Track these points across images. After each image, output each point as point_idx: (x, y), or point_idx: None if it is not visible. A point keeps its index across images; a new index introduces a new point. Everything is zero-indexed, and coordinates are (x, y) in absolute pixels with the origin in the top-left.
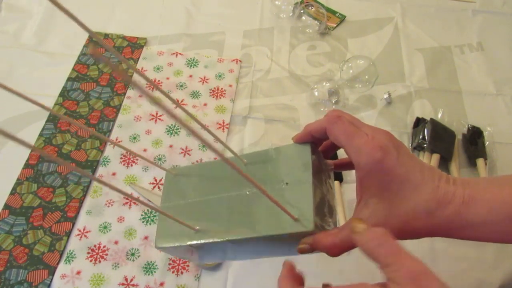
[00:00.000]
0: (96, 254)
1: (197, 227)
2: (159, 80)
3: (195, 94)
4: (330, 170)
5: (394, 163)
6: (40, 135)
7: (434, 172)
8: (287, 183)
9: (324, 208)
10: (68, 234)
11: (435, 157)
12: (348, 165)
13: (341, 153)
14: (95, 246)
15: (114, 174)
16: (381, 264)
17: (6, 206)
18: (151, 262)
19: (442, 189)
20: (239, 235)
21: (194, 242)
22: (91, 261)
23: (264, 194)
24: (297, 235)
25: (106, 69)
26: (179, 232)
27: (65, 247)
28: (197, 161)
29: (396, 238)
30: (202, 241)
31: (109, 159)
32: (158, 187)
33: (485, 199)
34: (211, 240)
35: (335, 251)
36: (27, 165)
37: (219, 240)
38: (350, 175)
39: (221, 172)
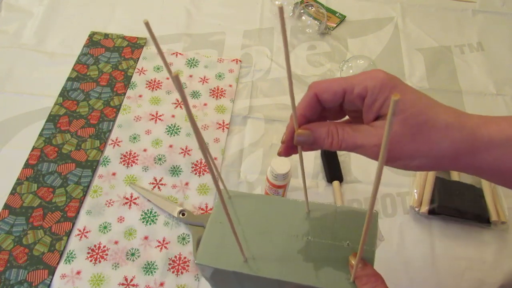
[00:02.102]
0: (96, 254)
1: (247, 257)
2: (159, 80)
3: (195, 94)
4: (381, 239)
5: (400, 81)
6: (40, 135)
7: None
8: (348, 244)
9: None
10: (68, 234)
11: None
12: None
13: (342, 157)
14: (95, 246)
15: (114, 174)
16: None
17: (6, 206)
18: (151, 262)
19: (458, 110)
20: (291, 278)
21: (241, 271)
22: (91, 261)
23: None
24: None
25: (106, 69)
26: (225, 256)
27: (65, 247)
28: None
29: (416, 162)
30: (251, 273)
31: (109, 159)
32: (158, 187)
33: (508, 120)
34: (260, 275)
35: None
36: (27, 165)
37: (269, 277)
38: (350, 175)
39: (281, 210)
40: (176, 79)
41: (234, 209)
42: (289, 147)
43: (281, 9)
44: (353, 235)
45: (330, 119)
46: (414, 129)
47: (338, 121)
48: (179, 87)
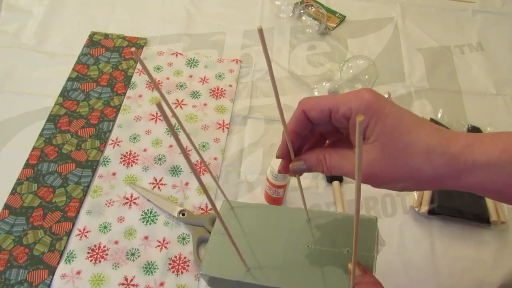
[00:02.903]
0: (96, 254)
1: (249, 266)
2: (159, 80)
3: (195, 94)
4: (382, 244)
5: (385, 102)
6: (40, 135)
7: (433, 124)
8: (348, 251)
9: None
10: (68, 234)
11: None
12: (342, 139)
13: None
14: (95, 246)
15: (114, 174)
16: None
17: (6, 206)
18: (151, 262)
19: (444, 130)
20: (292, 286)
21: (244, 280)
22: (91, 261)
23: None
24: None
25: (106, 69)
26: (229, 266)
27: (65, 247)
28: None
29: (400, 185)
30: (253, 282)
31: (109, 159)
32: (158, 187)
33: (494, 140)
34: (262, 284)
35: None
36: (27, 165)
37: (271, 285)
38: None
39: (281, 219)
40: (159, 107)
41: (237, 219)
42: (287, 166)
43: (260, 31)
44: (352, 241)
45: (325, 134)
46: (394, 154)
47: (329, 145)
48: (164, 115)
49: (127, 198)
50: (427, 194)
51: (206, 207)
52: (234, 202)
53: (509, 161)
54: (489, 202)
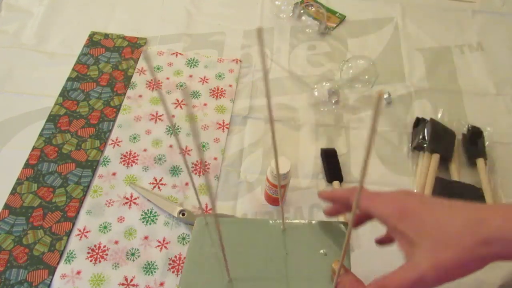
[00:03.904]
0: (96, 254)
1: (228, 278)
2: (159, 80)
3: (195, 94)
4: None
5: (418, 205)
6: (40, 135)
7: (464, 203)
8: (324, 252)
9: None
10: (68, 234)
11: (435, 157)
12: (362, 219)
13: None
14: (95, 246)
15: (114, 174)
16: None
17: (6, 206)
18: (151, 262)
19: (476, 210)
20: None
21: None
22: (91, 261)
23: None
24: None
25: (106, 69)
26: (209, 280)
27: (65, 247)
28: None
29: (466, 269)
30: None
31: (109, 159)
32: (158, 187)
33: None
34: None
35: None
36: (27, 165)
37: None
38: (350, 175)
39: (257, 231)
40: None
41: (210, 234)
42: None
43: (259, 31)
44: (327, 244)
45: None
46: (442, 249)
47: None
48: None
49: (127, 198)
50: (427, 194)
51: (206, 207)
52: (207, 218)
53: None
54: (489, 202)
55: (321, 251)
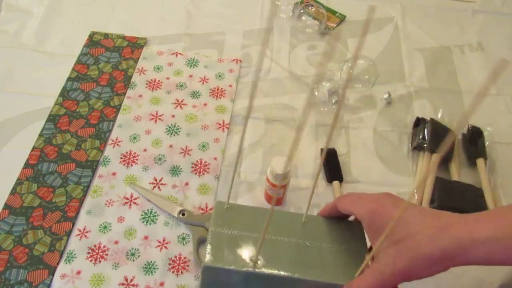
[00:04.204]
0: (96, 254)
1: (259, 260)
2: (159, 80)
3: (195, 94)
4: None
5: (390, 209)
6: (40, 135)
7: (437, 211)
8: (345, 248)
9: None
10: (68, 234)
11: (435, 157)
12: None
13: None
14: (95, 246)
15: (114, 174)
16: None
17: (6, 206)
18: (151, 262)
19: (443, 218)
20: (305, 275)
21: (254, 270)
22: (91, 261)
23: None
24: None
25: (106, 69)
26: (235, 258)
27: (65, 247)
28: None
29: (421, 273)
30: (265, 271)
31: (109, 159)
32: (158, 187)
33: (491, 218)
34: (275, 272)
35: None
36: (27, 165)
37: (285, 274)
38: (350, 175)
39: (279, 220)
40: None
41: (231, 217)
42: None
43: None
44: (348, 240)
45: None
46: (407, 252)
47: None
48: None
49: (127, 198)
50: (427, 194)
51: (206, 207)
52: (228, 203)
53: (503, 235)
54: (489, 202)
55: (341, 246)
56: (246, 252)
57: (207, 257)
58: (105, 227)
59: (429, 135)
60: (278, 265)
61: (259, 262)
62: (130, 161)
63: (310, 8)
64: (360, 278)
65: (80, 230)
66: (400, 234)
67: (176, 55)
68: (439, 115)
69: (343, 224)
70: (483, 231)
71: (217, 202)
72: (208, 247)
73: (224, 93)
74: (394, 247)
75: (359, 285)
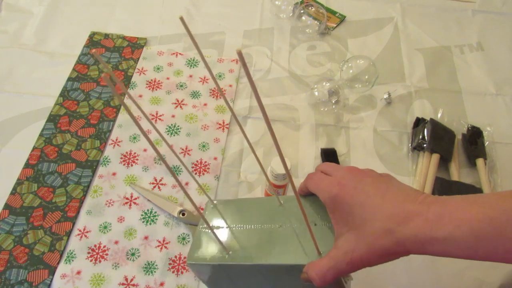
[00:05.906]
0: (96, 254)
1: (230, 251)
2: (159, 80)
3: (195, 94)
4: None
5: (351, 193)
6: (40, 135)
7: (401, 193)
8: (315, 224)
9: None
10: (68, 234)
11: (435, 157)
12: None
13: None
14: (95, 246)
15: (114, 174)
16: None
17: (6, 206)
18: (151, 262)
19: (404, 209)
20: (266, 261)
21: (224, 262)
22: (91, 261)
23: (308, 229)
24: None
25: (106, 70)
26: (211, 253)
27: (65, 247)
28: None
29: (377, 262)
30: (233, 263)
31: (109, 159)
32: (158, 187)
33: (453, 216)
34: (239, 263)
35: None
36: (27, 165)
37: (247, 263)
38: None
39: (257, 208)
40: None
41: (217, 214)
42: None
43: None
44: (319, 217)
45: None
46: (366, 239)
47: None
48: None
49: (127, 198)
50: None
51: None
52: (218, 200)
53: (461, 236)
54: None
55: (313, 223)
56: (221, 246)
57: (187, 256)
58: (105, 227)
59: (429, 135)
60: (245, 254)
61: (230, 253)
62: (130, 161)
63: (310, 8)
64: (318, 264)
65: (80, 230)
66: (360, 219)
67: (176, 55)
68: (439, 115)
69: (317, 201)
70: (444, 231)
71: (207, 202)
72: (191, 246)
73: (224, 93)
74: (354, 234)
75: (315, 271)
